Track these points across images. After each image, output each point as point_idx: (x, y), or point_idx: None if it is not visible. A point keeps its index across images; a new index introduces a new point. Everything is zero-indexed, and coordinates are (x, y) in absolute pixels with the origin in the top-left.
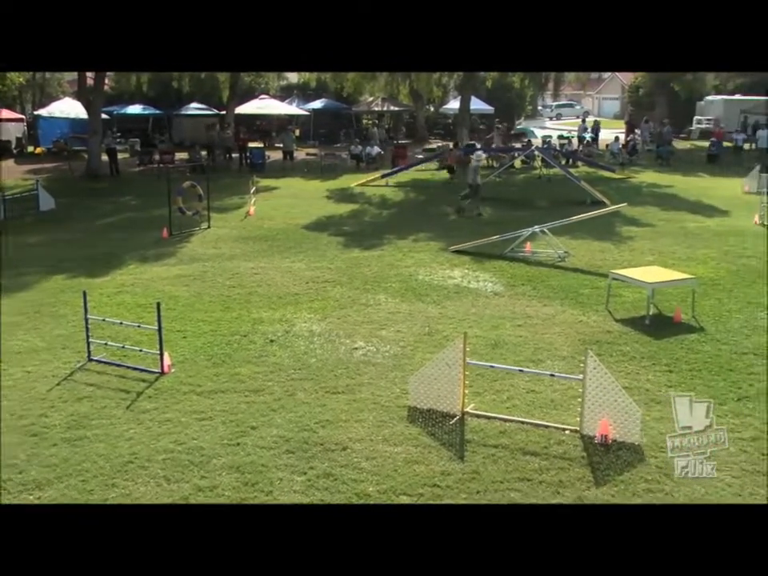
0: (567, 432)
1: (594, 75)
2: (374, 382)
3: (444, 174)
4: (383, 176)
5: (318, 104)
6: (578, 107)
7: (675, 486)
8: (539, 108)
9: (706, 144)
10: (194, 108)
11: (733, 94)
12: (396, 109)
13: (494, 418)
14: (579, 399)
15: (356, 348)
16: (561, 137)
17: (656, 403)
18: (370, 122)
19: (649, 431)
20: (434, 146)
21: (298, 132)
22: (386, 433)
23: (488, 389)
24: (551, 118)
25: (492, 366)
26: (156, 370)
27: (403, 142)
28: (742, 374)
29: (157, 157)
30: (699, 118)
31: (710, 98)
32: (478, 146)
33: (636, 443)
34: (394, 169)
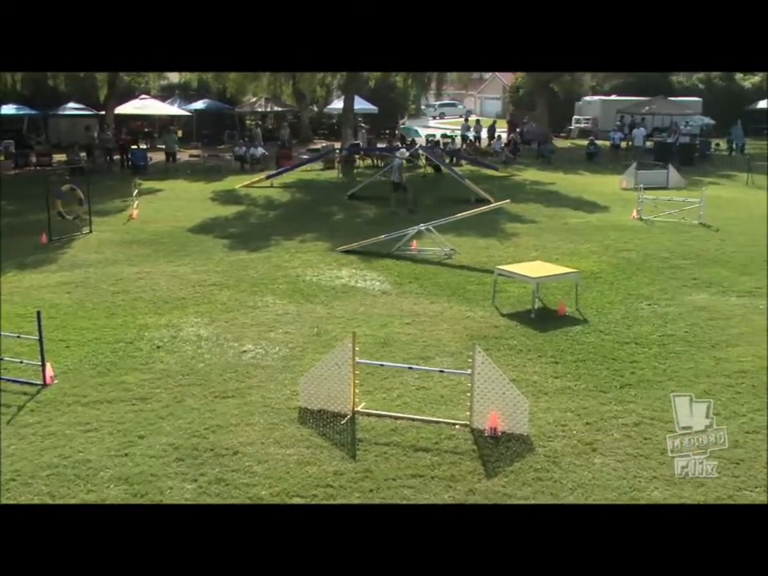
0: (457, 427)
1: (476, 75)
2: (264, 384)
3: (329, 174)
4: (268, 177)
5: (200, 104)
6: (460, 107)
7: (563, 474)
8: (423, 107)
9: (585, 142)
10: (72, 108)
11: (609, 94)
12: (280, 109)
13: (385, 416)
14: (468, 394)
15: (245, 351)
16: (444, 136)
17: (543, 394)
18: (254, 122)
19: (537, 422)
20: (319, 146)
21: (180, 133)
22: (277, 435)
23: (378, 387)
24: (435, 117)
25: (382, 365)
26: (38, 382)
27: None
28: (625, 363)
29: (33, 159)
30: (578, 117)
31: (587, 98)
32: (363, 145)
33: (524, 434)
34: (279, 170)
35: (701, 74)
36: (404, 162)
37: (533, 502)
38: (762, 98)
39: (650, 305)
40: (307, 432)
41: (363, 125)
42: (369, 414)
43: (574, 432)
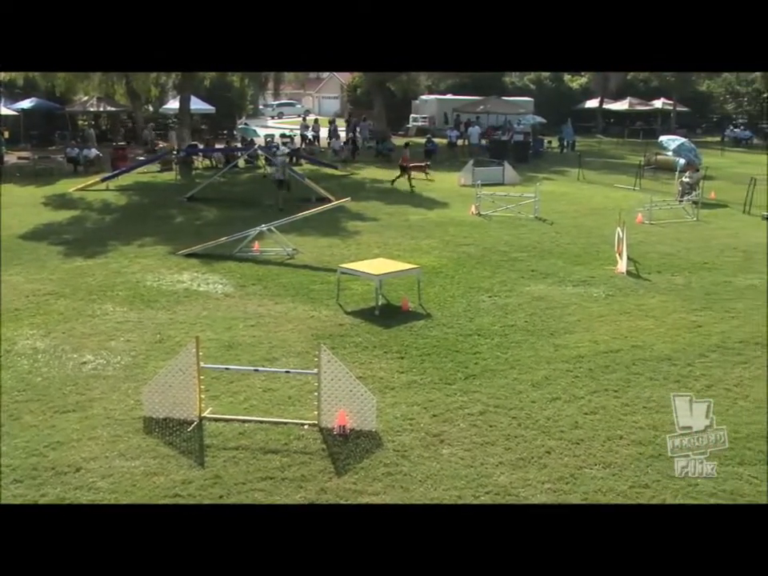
0: (306, 427)
1: (313, 75)
2: (106, 396)
3: (167, 176)
4: (103, 179)
5: (27, 103)
6: (298, 106)
7: (413, 467)
8: (261, 107)
9: (423, 140)
10: None
11: (444, 93)
12: (113, 109)
13: (233, 420)
14: (316, 393)
15: (84, 362)
16: (283, 135)
17: (390, 389)
18: (86, 122)
19: (384, 417)
20: (156, 147)
21: (6, 134)
22: (121, 447)
23: (225, 391)
24: (273, 117)
25: (227, 368)
26: None
27: (122, 143)
28: (468, 355)
29: None
30: (415, 116)
31: (424, 97)
32: (201, 146)
33: (373, 430)
34: (115, 172)
35: (531, 75)
36: (286, 159)
37: (384, 496)
38: (589, 98)
39: (490, 297)
40: (153, 442)
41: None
42: (216, 419)
43: (422, 425)
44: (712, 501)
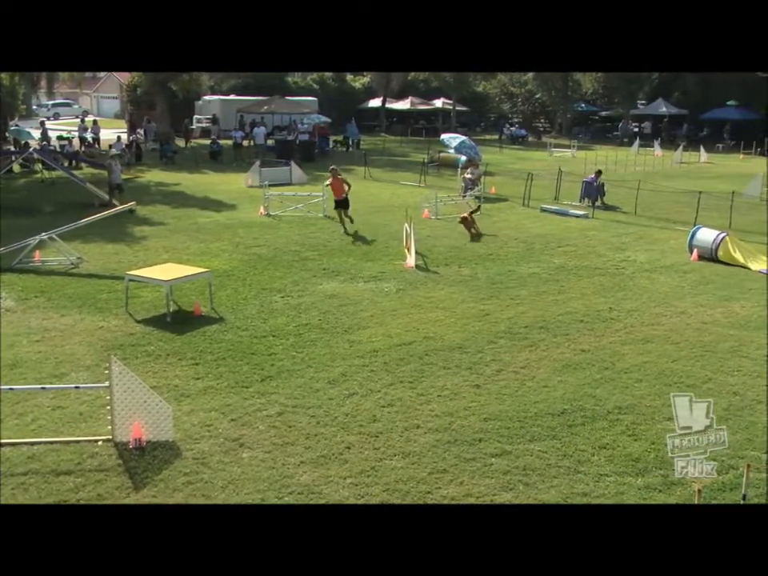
0: (100, 443)
1: (89, 74)
2: None
3: None
4: None
5: None
6: (76, 106)
7: (213, 473)
8: (34, 107)
9: (208, 142)
10: None
11: (228, 94)
12: None
13: (20, 443)
14: (108, 407)
15: None
16: (60, 137)
17: (185, 397)
18: None
19: (182, 425)
20: None
21: None
22: None
23: (10, 413)
24: (49, 118)
25: (11, 389)
26: None
27: None
28: (264, 356)
29: None
30: (199, 117)
31: (207, 97)
32: None
33: (170, 440)
34: None
35: (314, 75)
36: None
37: (189, 504)
38: (372, 98)
39: (283, 297)
40: None
41: None
42: (1, 445)
43: (220, 430)
44: (506, 478)
